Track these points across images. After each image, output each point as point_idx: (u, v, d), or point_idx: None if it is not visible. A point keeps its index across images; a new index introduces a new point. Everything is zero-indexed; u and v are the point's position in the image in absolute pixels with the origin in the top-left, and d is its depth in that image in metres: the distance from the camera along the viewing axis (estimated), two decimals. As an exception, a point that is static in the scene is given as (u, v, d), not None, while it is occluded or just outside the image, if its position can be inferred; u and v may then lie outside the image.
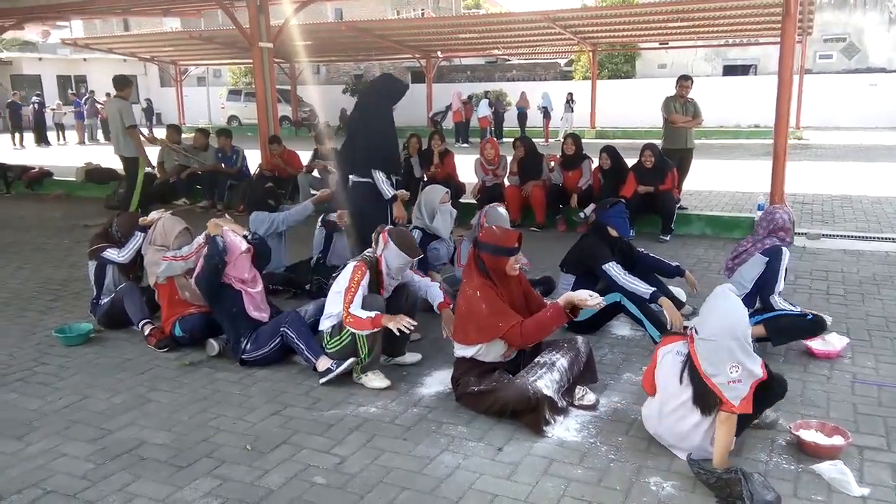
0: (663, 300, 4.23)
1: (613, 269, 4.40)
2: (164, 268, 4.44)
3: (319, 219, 5.69)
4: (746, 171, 12.77)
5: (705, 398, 2.87)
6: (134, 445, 3.25)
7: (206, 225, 4.38)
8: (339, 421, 3.45)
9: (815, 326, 4.05)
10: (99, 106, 25.94)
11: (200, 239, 4.42)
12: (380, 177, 5.06)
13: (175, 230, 4.64)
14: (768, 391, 2.92)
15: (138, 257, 4.94)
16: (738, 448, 3.02)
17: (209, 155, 10.24)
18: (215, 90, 32.24)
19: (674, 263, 4.78)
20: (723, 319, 2.84)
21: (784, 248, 4.19)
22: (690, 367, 2.92)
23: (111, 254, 4.85)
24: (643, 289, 4.29)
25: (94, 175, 11.76)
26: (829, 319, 4.26)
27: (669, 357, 3.04)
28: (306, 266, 5.74)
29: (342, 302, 3.80)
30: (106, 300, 4.88)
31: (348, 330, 3.79)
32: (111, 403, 3.71)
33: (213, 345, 4.35)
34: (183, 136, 11.22)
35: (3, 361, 4.34)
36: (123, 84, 8.67)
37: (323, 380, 3.86)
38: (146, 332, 4.53)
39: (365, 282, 3.86)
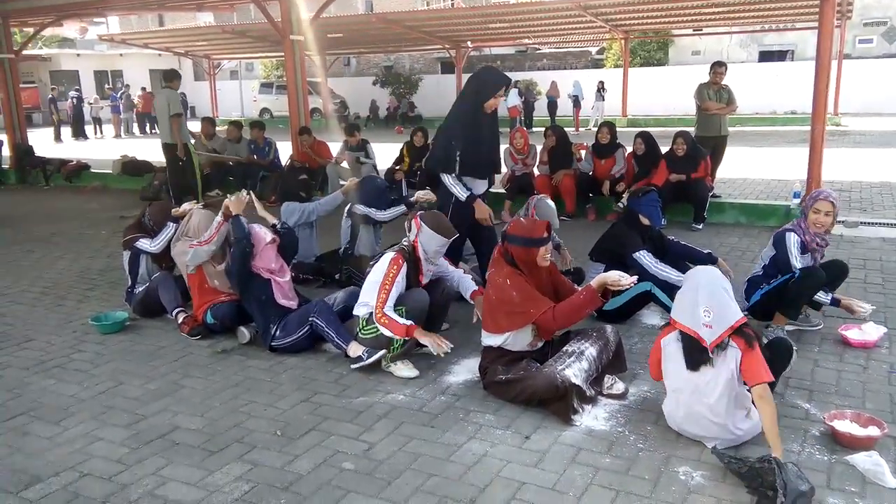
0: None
1: (645, 258, 4.35)
2: (191, 255, 4.50)
3: (346, 209, 5.71)
4: (782, 159, 12.51)
5: (691, 351, 2.94)
6: (167, 430, 3.32)
7: (248, 216, 4.43)
8: (367, 408, 3.48)
9: (808, 280, 4.02)
10: (135, 100, 26.42)
11: (219, 218, 4.45)
12: (448, 179, 4.62)
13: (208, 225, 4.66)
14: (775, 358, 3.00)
15: (171, 247, 5.03)
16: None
17: (242, 147, 10.37)
18: (248, 83, 32.58)
19: (705, 251, 4.71)
20: (690, 275, 3.11)
21: (788, 233, 4.16)
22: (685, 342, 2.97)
23: (144, 244, 4.95)
24: (675, 276, 4.24)
25: (130, 167, 11.98)
26: (867, 308, 4.17)
27: (672, 345, 3.04)
28: (336, 256, 5.78)
29: (375, 297, 3.80)
30: (140, 289, 4.99)
31: None
32: (145, 390, 3.79)
33: (245, 333, 4.41)
34: (217, 128, 11.37)
35: (42, 349, 4.46)
36: (172, 76, 9.37)
37: (354, 366, 3.90)
38: (179, 321, 4.62)
39: (401, 276, 3.85)
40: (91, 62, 34.52)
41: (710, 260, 4.63)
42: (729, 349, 2.87)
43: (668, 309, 4.19)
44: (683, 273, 4.28)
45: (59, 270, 6.45)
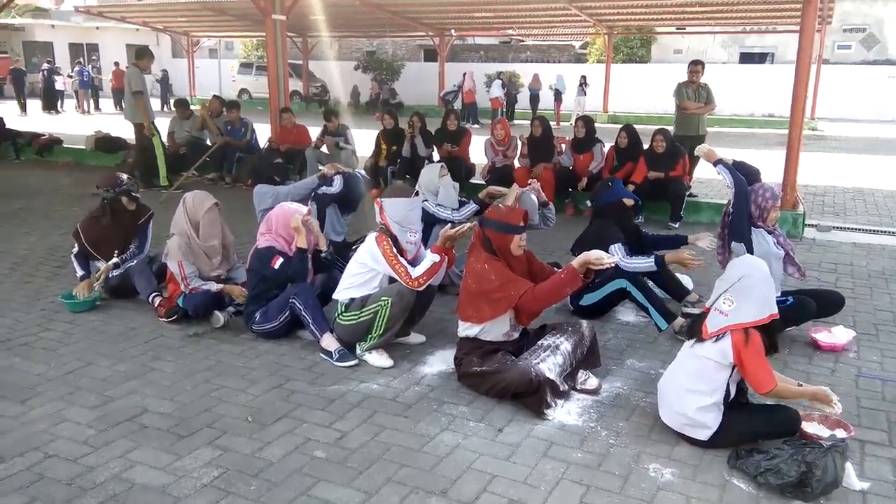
0: (668, 255, 4.29)
1: (617, 252, 4.35)
2: (167, 255, 4.46)
3: (312, 194, 5.66)
4: (759, 161, 12.59)
5: (694, 323, 3.04)
6: (136, 413, 3.27)
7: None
8: (340, 396, 3.46)
9: (800, 311, 4.02)
10: (104, 76, 25.85)
11: (214, 287, 4.42)
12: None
13: (204, 206, 4.54)
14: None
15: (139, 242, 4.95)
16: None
17: (219, 123, 10.19)
18: (227, 63, 32.10)
19: (674, 235, 4.69)
20: (736, 263, 3.08)
21: (757, 232, 4.07)
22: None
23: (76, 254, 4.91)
24: (645, 264, 4.28)
25: (103, 143, 11.74)
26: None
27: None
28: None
29: (397, 277, 3.74)
30: (116, 273, 4.83)
31: (370, 308, 3.76)
32: (114, 371, 3.73)
33: (219, 317, 4.37)
34: (193, 107, 11.18)
35: (8, 326, 4.36)
36: (142, 54, 9.19)
37: (323, 356, 3.87)
38: (156, 304, 4.54)
39: (394, 248, 3.81)
40: (66, 34, 33.70)
41: (680, 241, 4.66)
42: (724, 340, 2.88)
43: (642, 307, 4.22)
44: (650, 259, 4.31)
45: (28, 246, 6.31)
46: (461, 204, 5.20)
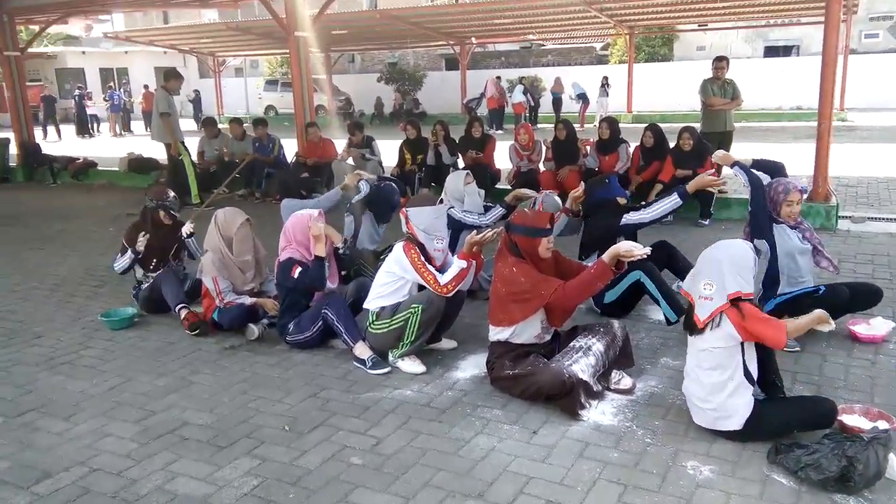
0: (689, 185, 4.24)
1: (633, 216, 4.35)
2: (202, 270, 4.57)
3: (346, 204, 5.74)
4: (788, 154, 12.38)
5: (689, 316, 3.01)
6: (176, 426, 3.34)
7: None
8: (375, 403, 3.49)
9: (832, 298, 3.90)
10: (135, 99, 26.44)
11: (249, 300, 4.51)
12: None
13: (236, 222, 4.61)
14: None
15: (175, 245, 5.07)
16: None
17: (247, 144, 10.37)
18: (253, 80, 32.59)
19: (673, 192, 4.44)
20: (704, 252, 3.06)
21: (777, 227, 4.02)
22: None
23: (121, 257, 5.03)
24: (671, 202, 4.25)
25: (136, 165, 12.01)
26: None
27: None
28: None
29: (426, 285, 3.78)
30: (146, 286, 5.00)
31: (401, 316, 3.80)
32: (154, 385, 3.81)
33: (253, 329, 4.43)
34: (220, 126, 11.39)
35: (51, 345, 4.48)
36: (169, 76, 9.42)
37: (356, 364, 3.92)
38: (182, 316, 4.64)
39: (422, 257, 3.85)
40: (96, 60, 34.58)
41: (682, 194, 4.33)
42: (723, 324, 2.88)
43: (654, 299, 4.20)
44: (673, 196, 4.28)
45: (68, 267, 6.48)
46: (486, 209, 5.22)
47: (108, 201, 10.33)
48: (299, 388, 3.72)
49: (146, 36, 23.94)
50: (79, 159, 12.88)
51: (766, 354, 3.17)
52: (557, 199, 5.06)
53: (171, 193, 5.17)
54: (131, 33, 24.38)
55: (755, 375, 2.96)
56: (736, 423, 2.92)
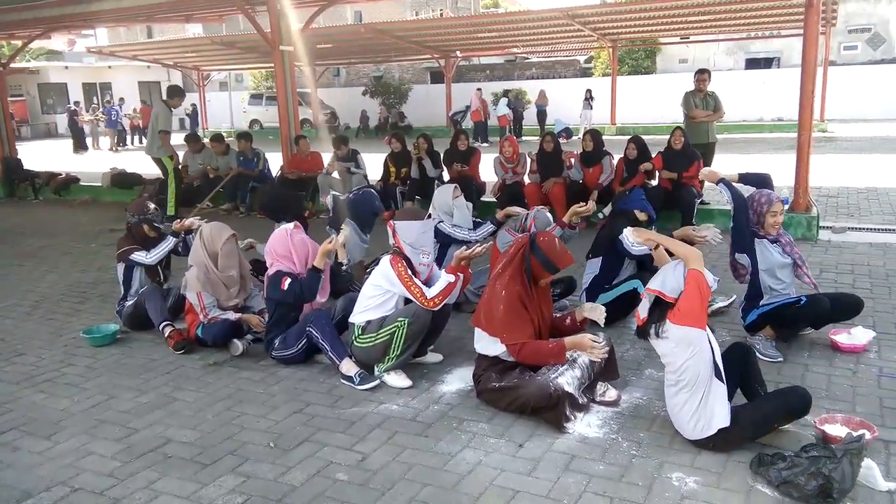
0: (676, 231, 4.39)
1: (627, 239, 4.37)
2: (185, 286, 4.54)
3: (328, 218, 5.76)
4: (770, 165, 12.54)
5: (640, 331, 3.17)
6: (159, 444, 3.30)
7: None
8: (360, 419, 3.48)
9: (813, 308, 3.98)
10: (130, 113, 26.32)
11: (233, 316, 4.48)
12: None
13: (222, 237, 4.60)
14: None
15: (165, 260, 5.04)
16: (761, 443, 3.00)
17: (231, 159, 10.35)
18: (237, 95, 32.57)
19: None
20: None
21: (759, 241, 4.09)
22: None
23: (139, 256, 4.92)
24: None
25: (119, 180, 11.94)
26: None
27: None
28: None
29: (412, 298, 3.79)
30: (130, 302, 4.97)
31: (387, 329, 3.80)
32: (137, 403, 3.78)
33: (238, 345, 4.41)
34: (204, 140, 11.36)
35: (32, 363, 4.43)
36: (173, 93, 9.51)
37: (343, 381, 3.90)
38: (166, 334, 4.60)
39: (408, 270, 3.85)
40: (79, 74, 34.41)
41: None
42: (671, 332, 2.96)
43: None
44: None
45: (50, 284, 6.41)
46: (476, 224, 5.24)
47: (90, 217, 10.25)
48: (284, 403, 3.70)
49: (130, 50, 23.86)
50: (61, 174, 12.79)
51: (748, 364, 3.21)
52: (548, 215, 5.08)
53: (152, 206, 5.14)
54: (115, 48, 24.28)
55: (721, 367, 3.00)
56: (717, 424, 2.94)
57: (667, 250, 3.40)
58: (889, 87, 22.86)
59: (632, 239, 3.43)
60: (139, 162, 10.64)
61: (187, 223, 5.02)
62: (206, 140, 11.56)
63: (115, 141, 25.16)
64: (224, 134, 13.06)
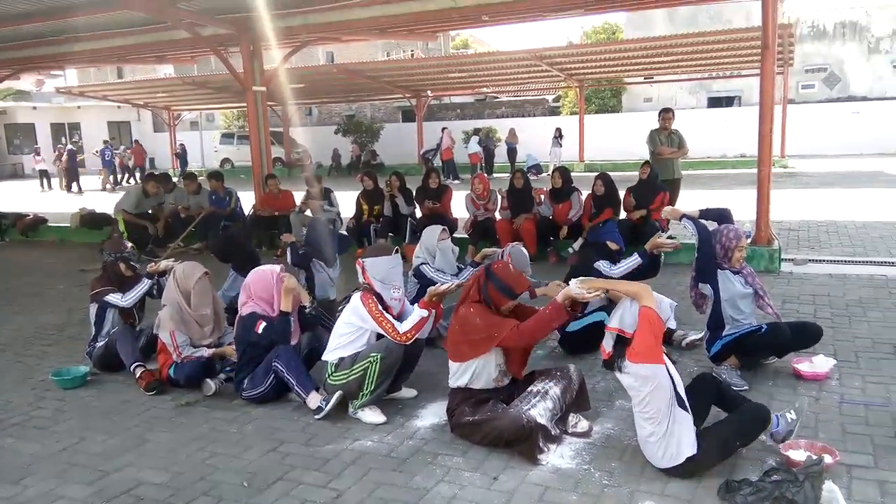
0: (651, 241, 4.66)
1: (602, 266, 4.68)
2: (158, 325, 4.52)
3: (289, 255, 5.81)
4: (734, 200, 12.89)
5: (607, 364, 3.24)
6: (132, 486, 3.27)
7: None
8: (335, 456, 3.48)
9: (773, 337, 4.12)
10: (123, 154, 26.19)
11: (206, 353, 4.48)
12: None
13: (195, 275, 4.59)
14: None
15: (140, 302, 5.02)
16: (730, 469, 3.08)
17: (203, 198, 10.34)
18: (208, 134, 32.57)
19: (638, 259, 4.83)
20: None
21: (722, 273, 4.22)
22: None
23: (114, 298, 4.89)
24: (632, 262, 4.68)
25: (89, 220, 11.83)
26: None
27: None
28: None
29: (384, 333, 3.82)
30: (101, 343, 4.92)
31: (360, 365, 3.82)
32: (108, 445, 3.73)
33: (210, 385, 4.38)
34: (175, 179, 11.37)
35: (0, 407, 4.35)
36: (151, 178, 10.41)
37: (317, 416, 3.91)
38: (137, 375, 4.56)
39: (380, 306, 3.89)
40: (48, 115, 34.17)
41: (640, 253, 4.82)
42: (630, 368, 3.06)
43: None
44: (634, 256, 4.76)
45: (17, 326, 6.31)
46: (460, 269, 5.31)
47: (58, 258, 10.12)
48: (258, 443, 3.69)
49: (100, 91, 23.84)
50: (28, 215, 12.63)
51: (720, 391, 3.32)
52: (523, 249, 5.18)
53: (129, 244, 5.14)
54: (85, 88, 24.27)
55: (684, 397, 3.09)
56: (685, 452, 3.02)
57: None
58: (845, 125, 23.71)
59: (578, 290, 3.45)
60: (110, 202, 10.59)
61: (162, 265, 5.01)
62: (176, 179, 11.58)
63: (112, 180, 24.71)
64: (196, 173, 13.03)
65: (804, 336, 4.26)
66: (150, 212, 10.21)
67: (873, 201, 11.95)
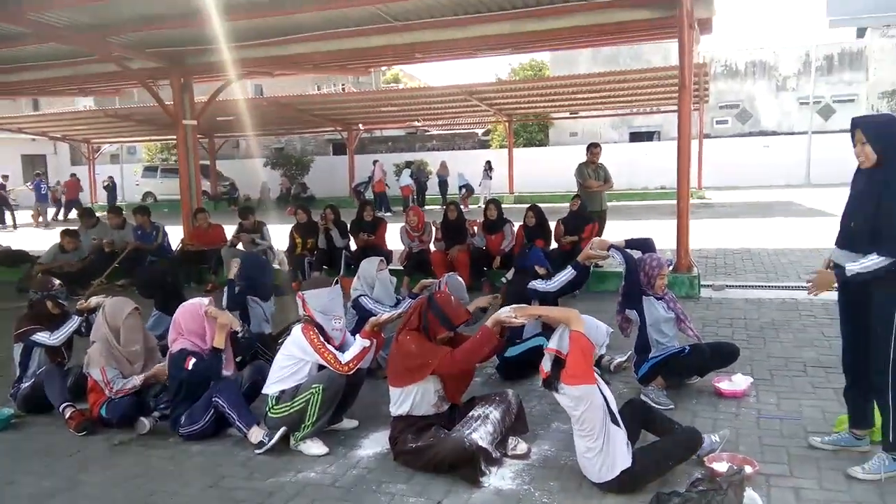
0: (582, 254, 4.77)
1: (538, 285, 4.89)
2: (88, 363, 4.41)
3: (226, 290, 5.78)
4: (656, 230, 13.43)
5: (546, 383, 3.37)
6: (67, 527, 3.18)
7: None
8: (278, 489, 3.48)
9: (694, 357, 4.41)
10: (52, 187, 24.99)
11: (137, 382, 4.38)
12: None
13: (125, 311, 4.49)
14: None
15: (68, 340, 4.87)
16: (660, 482, 3.25)
17: (127, 233, 10.07)
18: (129, 167, 31.65)
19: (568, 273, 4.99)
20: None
21: (647, 300, 4.48)
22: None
23: (42, 337, 4.74)
24: (567, 275, 4.86)
25: (5, 258, 11.33)
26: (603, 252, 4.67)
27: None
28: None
29: (326, 364, 3.84)
30: (27, 384, 4.75)
31: (302, 398, 3.84)
32: (40, 487, 3.62)
33: (144, 423, 4.29)
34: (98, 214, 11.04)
35: (-83, 453, 4.14)
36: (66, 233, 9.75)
37: (258, 451, 3.89)
38: (67, 415, 4.42)
39: (320, 337, 3.94)
40: (-44, 147, 32.46)
41: (573, 265, 4.94)
42: (566, 389, 3.23)
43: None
44: (567, 269, 4.93)
45: (-70, 369, 5.99)
46: (398, 301, 5.39)
47: (-27, 296, 9.63)
48: (198, 478, 3.64)
49: (15, 123, 22.92)
50: (-61, 253, 11.99)
51: (650, 414, 3.53)
52: (459, 279, 5.31)
53: (57, 282, 5.00)
54: (-1, 119, 23.27)
55: (616, 413, 3.29)
56: (620, 465, 3.19)
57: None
58: (756, 158, 25.14)
59: (507, 314, 3.60)
60: (28, 239, 10.17)
61: (93, 302, 4.88)
62: (100, 214, 11.25)
63: (48, 216, 23.37)
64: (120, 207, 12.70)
65: (723, 356, 4.56)
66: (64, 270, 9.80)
67: (784, 230, 12.73)
